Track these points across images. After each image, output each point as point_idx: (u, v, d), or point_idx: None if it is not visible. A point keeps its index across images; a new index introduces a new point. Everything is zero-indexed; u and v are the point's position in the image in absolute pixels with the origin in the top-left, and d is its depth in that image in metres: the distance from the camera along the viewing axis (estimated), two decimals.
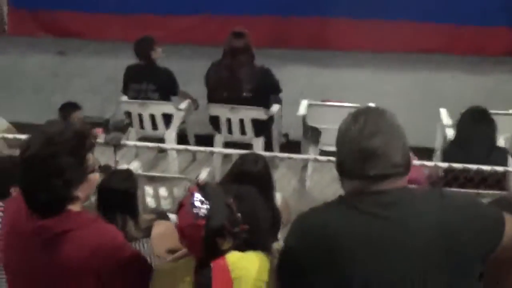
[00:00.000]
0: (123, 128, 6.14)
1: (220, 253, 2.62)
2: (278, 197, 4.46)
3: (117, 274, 2.72)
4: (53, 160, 2.59)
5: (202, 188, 2.63)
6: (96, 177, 2.76)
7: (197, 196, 2.59)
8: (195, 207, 2.56)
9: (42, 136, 2.66)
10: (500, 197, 4.16)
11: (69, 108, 6.41)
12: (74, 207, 2.69)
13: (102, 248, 2.66)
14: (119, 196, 3.78)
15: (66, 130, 2.68)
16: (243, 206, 3.25)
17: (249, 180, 3.93)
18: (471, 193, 4.81)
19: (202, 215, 2.55)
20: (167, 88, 7.28)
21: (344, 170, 2.35)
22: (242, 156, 4.38)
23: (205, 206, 2.57)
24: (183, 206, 2.60)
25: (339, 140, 2.37)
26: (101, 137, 5.58)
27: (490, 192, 4.92)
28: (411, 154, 2.39)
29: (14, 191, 4.21)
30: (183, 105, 7.41)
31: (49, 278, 2.68)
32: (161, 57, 7.36)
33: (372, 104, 7.28)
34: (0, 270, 4.23)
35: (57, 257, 2.65)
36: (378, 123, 2.32)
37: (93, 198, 3.77)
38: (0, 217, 3.35)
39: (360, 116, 2.34)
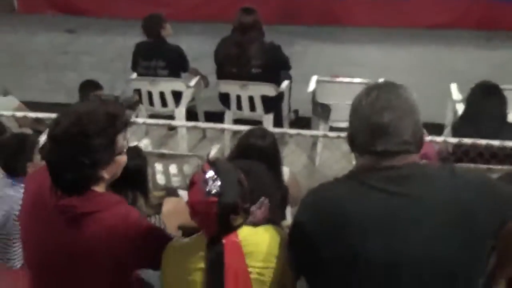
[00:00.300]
0: (132, 105, 6.10)
1: (232, 229, 2.63)
2: (286, 172, 4.46)
3: (138, 257, 2.75)
4: (82, 138, 2.59)
5: (213, 164, 2.64)
6: (123, 159, 2.76)
7: (209, 173, 2.60)
8: (207, 184, 2.57)
9: (73, 114, 2.65)
10: (507, 173, 4.15)
11: (89, 86, 6.37)
12: (99, 188, 2.71)
13: (122, 232, 2.67)
14: (129, 173, 3.78)
15: (98, 110, 2.67)
16: (252, 181, 3.26)
17: (256, 154, 3.94)
18: (481, 168, 4.81)
19: (215, 192, 2.56)
20: (176, 65, 7.26)
21: (354, 145, 2.36)
22: (249, 131, 4.38)
23: (217, 183, 2.58)
24: (194, 184, 2.61)
25: (351, 113, 2.37)
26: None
27: (500, 167, 4.91)
28: (423, 131, 2.38)
29: (30, 167, 4.25)
30: (193, 82, 7.40)
31: (69, 255, 2.70)
32: (170, 34, 7.33)
33: (382, 80, 7.27)
34: (13, 242, 4.28)
35: (79, 237, 2.67)
36: (391, 98, 2.30)
37: None
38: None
39: (373, 90, 2.33)
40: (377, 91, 2.32)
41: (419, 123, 2.34)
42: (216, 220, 2.58)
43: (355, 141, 2.35)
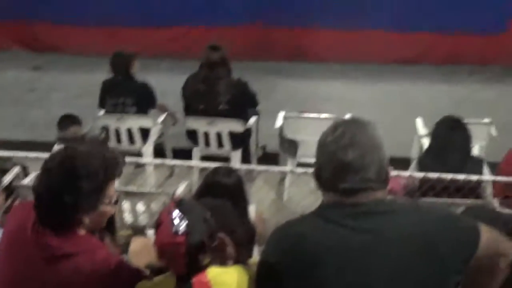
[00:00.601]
0: (100, 142, 6.12)
1: (201, 268, 2.62)
2: (252, 210, 4.46)
3: None
4: (71, 177, 2.58)
5: (179, 204, 2.64)
6: (110, 210, 2.73)
7: (175, 213, 2.59)
8: (174, 224, 2.57)
9: (69, 151, 2.66)
10: (471, 206, 4.21)
11: (67, 121, 6.37)
12: (81, 231, 2.70)
13: (98, 279, 2.66)
14: None
15: (95, 152, 2.66)
16: (218, 220, 3.26)
17: (222, 192, 3.94)
18: (446, 202, 4.85)
19: (182, 232, 2.56)
20: (145, 102, 7.27)
21: (320, 181, 2.37)
22: (215, 169, 4.39)
23: (183, 223, 2.57)
24: (161, 224, 2.60)
25: (318, 149, 2.38)
26: None
27: (465, 201, 4.96)
28: (389, 167, 2.40)
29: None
30: (160, 118, 7.41)
31: None
32: (138, 71, 7.34)
33: (348, 115, 7.33)
34: None
35: (55, 277, 2.66)
36: (356, 135, 2.32)
37: None
38: None
39: (339, 127, 2.35)
40: (342, 128, 2.34)
41: (384, 159, 2.36)
42: (184, 260, 2.57)
43: (320, 178, 2.37)
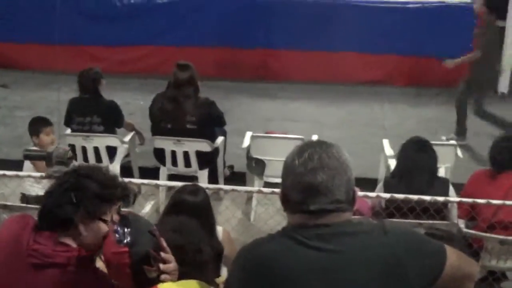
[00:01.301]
0: (66, 161, 6.04)
1: (149, 282, 2.60)
2: (219, 231, 4.45)
3: None
4: (83, 177, 2.76)
5: (124, 217, 2.64)
6: (104, 229, 2.74)
7: (119, 225, 2.60)
8: (117, 235, 2.58)
9: (92, 166, 2.92)
10: (434, 228, 4.26)
11: (39, 123, 6.36)
12: (72, 242, 2.74)
13: None
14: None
15: (113, 176, 2.84)
16: (184, 237, 3.25)
17: (188, 210, 3.93)
18: (413, 223, 4.88)
19: (126, 242, 2.57)
20: (112, 120, 7.23)
21: (287, 203, 2.36)
22: (181, 187, 4.37)
23: (127, 234, 2.59)
24: (106, 236, 2.61)
25: (284, 172, 2.37)
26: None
27: (431, 222, 5.00)
28: (355, 188, 2.41)
29: None
30: (127, 137, 7.37)
31: None
32: (105, 89, 7.30)
33: (315, 136, 7.37)
34: None
35: (39, 284, 2.71)
36: (323, 158, 2.32)
37: None
38: None
39: (306, 149, 2.35)
40: (309, 150, 2.34)
41: (351, 181, 2.36)
42: (130, 271, 2.56)
43: (287, 200, 2.36)
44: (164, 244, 2.72)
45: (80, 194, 2.73)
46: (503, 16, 8.55)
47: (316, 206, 2.28)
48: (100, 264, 2.83)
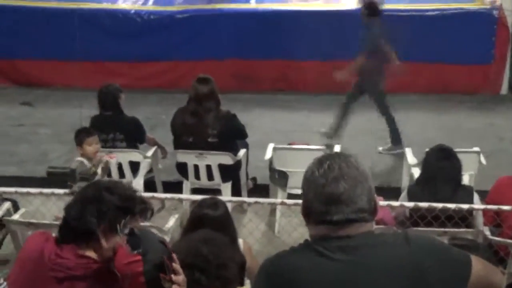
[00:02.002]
0: (89, 177, 6.10)
1: None
2: (240, 243, 4.45)
3: None
4: (104, 191, 2.82)
5: (131, 229, 2.68)
6: (121, 242, 2.80)
7: (129, 236, 2.63)
8: (129, 245, 2.62)
9: (113, 180, 3.11)
10: (457, 238, 4.23)
11: (82, 134, 6.51)
12: (93, 255, 2.80)
13: None
14: None
15: (133, 191, 2.91)
16: (213, 252, 3.26)
17: (209, 225, 3.94)
18: (438, 232, 4.86)
19: (138, 251, 2.60)
20: (134, 137, 7.27)
21: (309, 215, 2.36)
22: (201, 201, 4.39)
23: (139, 243, 2.64)
24: (119, 250, 2.65)
25: (305, 185, 2.38)
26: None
27: (457, 230, 4.97)
28: (376, 197, 2.41)
29: None
30: (150, 152, 7.40)
31: None
32: (126, 104, 7.33)
33: (337, 146, 7.37)
34: None
35: None
36: (343, 168, 2.33)
37: None
38: None
39: (325, 161, 2.36)
40: (328, 161, 2.35)
41: (372, 190, 2.37)
42: (143, 280, 2.58)
43: (310, 212, 2.36)
44: (175, 255, 2.75)
45: (102, 207, 2.78)
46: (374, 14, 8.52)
47: (340, 216, 2.29)
48: None
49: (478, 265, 2.39)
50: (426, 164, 5.66)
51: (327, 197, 2.30)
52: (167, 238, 4.69)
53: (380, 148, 8.54)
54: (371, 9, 8.61)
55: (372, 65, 8.43)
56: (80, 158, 6.32)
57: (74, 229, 2.82)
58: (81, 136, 6.50)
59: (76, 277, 2.78)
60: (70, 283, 2.79)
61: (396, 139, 8.54)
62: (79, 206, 2.83)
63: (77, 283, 2.79)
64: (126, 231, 2.76)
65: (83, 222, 2.78)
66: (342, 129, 8.68)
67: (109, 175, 7.12)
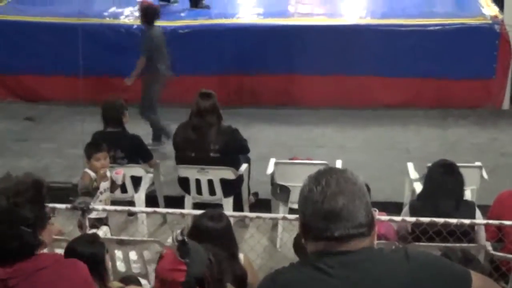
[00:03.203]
0: (91, 191, 6.12)
1: None
2: (241, 257, 4.45)
3: None
4: (18, 209, 2.78)
5: (185, 242, 2.72)
6: (52, 225, 2.94)
7: (181, 247, 2.68)
8: (178, 254, 2.66)
9: (2, 190, 2.85)
10: (447, 250, 4.23)
11: (91, 148, 6.48)
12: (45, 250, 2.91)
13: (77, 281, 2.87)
14: (85, 261, 3.76)
15: (21, 182, 2.89)
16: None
17: (210, 237, 3.93)
18: (440, 247, 4.85)
19: (185, 261, 2.63)
20: (136, 155, 7.25)
21: (308, 232, 2.35)
22: (203, 213, 4.39)
23: (188, 255, 2.67)
24: (166, 255, 2.71)
25: (302, 202, 2.37)
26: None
27: (459, 245, 4.96)
28: (375, 211, 2.41)
29: None
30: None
31: None
32: (128, 120, 7.33)
33: (339, 161, 7.37)
34: None
35: None
36: (340, 183, 2.32)
37: None
38: None
39: (321, 177, 2.35)
40: (325, 177, 2.34)
41: (369, 204, 2.36)
42: None
43: (309, 229, 2.35)
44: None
45: (27, 224, 2.79)
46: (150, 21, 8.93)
47: (341, 232, 2.28)
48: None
49: (478, 281, 2.39)
50: (429, 179, 5.66)
51: (327, 214, 2.29)
52: None
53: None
54: (146, 15, 8.99)
55: (149, 70, 8.94)
56: (88, 170, 6.32)
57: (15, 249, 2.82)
58: (90, 150, 6.47)
59: (38, 270, 2.84)
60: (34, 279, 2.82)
61: (157, 137, 9.03)
62: (10, 232, 2.81)
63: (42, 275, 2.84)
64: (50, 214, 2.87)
65: (22, 249, 2.81)
66: (168, 131, 8.82)
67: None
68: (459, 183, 5.51)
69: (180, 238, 2.80)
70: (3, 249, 2.79)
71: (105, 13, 11.31)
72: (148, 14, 8.99)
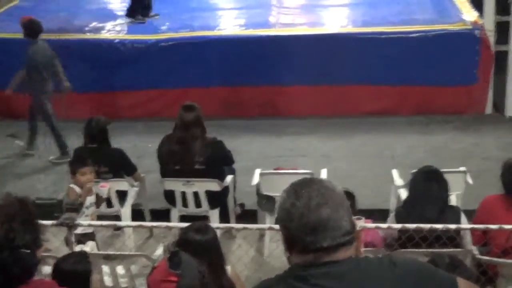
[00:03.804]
0: (77, 208, 6.10)
1: None
2: (228, 270, 4.43)
3: None
4: (14, 234, 2.77)
5: (176, 252, 2.74)
6: (48, 241, 2.87)
7: (173, 258, 2.70)
8: (170, 265, 2.67)
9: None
10: (434, 256, 4.24)
11: (76, 163, 6.49)
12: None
13: None
14: (73, 279, 3.75)
15: (8, 204, 2.85)
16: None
17: (197, 249, 3.92)
18: (426, 252, 4.86)
19: (176, 272, 2.64)
20: (119, 169, 7.23)
21: (293, 245, 2.32)
22: (189, 225, 4.37)
23: (179, 267, 2.68)
24: (158, 266, 2.73)
25: (284, 217, 2.33)
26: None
27: (445, 250, 4.97)
28: (360, 219, 2.42)
29: None
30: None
31: None
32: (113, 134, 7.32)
33: (324, 170, 7.38)
34: None
35: None
36: (322, 193, 2.31)
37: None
38: None
39: (301, 189, 2.32)
40: (304, 189, 2.32)
41: (349, 210, 2.36)
42: None
43: (294, 243, 2.32)
44: None
45: (26, 246, 2.80)
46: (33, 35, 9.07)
47: (329, 242, 2.27)
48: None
49: (464, 286, 2.39)
50: (413, 185, 5.69)
51: (314, 226, 2.27)
52: None
53: (51, 157, 9.14)
54: (28, 30, 9.14)
55: (34, 84, 9.08)
56: (73, 186, 6.29)
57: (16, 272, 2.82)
58: (75, 165, 6.46)
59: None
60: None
61: (63, 150, 9.13)
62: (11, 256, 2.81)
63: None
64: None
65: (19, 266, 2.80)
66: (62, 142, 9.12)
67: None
68: (443, 189, 5.54)
69: (172, 249, 2.82)
70: (4, 275, 2.77)
71: (86, 28, 11.28)
72: (28, 29, 9.14)
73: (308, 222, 2.28)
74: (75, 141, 7.74)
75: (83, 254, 4.22)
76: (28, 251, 2.74)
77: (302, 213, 2.29)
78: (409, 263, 2.38)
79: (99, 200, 6.40)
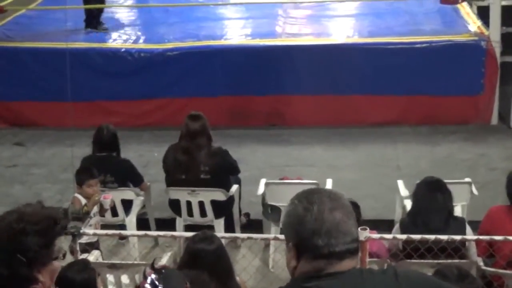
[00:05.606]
0: (82, 217, 6.12)
1: None
2: (237, 280, 4.44)
3: None
4: (20, 236, 2.65)
5: (159, 271, 2.66)
6: (59, 265, 2.78)
7: (153, 279, 2.62)
8: (150, 286, 2.60)
9: (16, 213, 2.74)
10: (442, 267, 4.23)
11: (84, 174, 6.45)
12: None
13: None
14: (78, 287, 3.76)
15: (39, 212, 2.75)
16: None
17: (203, 260, 3.92)
18: (431, 263, 4.86)
19: None
20: (126, 179, 7.24)
21: (306, 251, 2.33)
22: (194, 236, 4.38)
23: (159, 282, 2.60)
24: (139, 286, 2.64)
25: (296, 222, 2.35)
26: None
27: (450, 261, 4.97)
28: (365, 229, 2.43)
29: None
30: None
31: None
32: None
33: (330, 180, 7.37)
34: None
35: None
36: (332, 199, 2.34)
37: None
38: None
39: (312, 196, 2.36)
40: (315, 196, 2.36)
41: (356, 220, 2.39)
42: None
43: (306, 249, 2.33)
44: None
45: (26, 253, 2.67)
46: None
47: (340, 247, 2.29)
48: None
49: None
50: (416, 196, 5.69)
51: (328, 228, 2.29)
52: None
53: None
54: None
55: None
56: (78, 195, 6.30)
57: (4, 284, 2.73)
58: (83, 176, 6.44)
59: None
60: None
61: None
62: (5, 260, 2.70)
63: None
64: (61, 252, 2.75)
65: (13, 280, 2.69)
66: None
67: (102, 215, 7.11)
68: (448, 200, 5.53)
69: (157, 266, 2.75)
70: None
71: (93, 38, 11.31)
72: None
73: (323, 224, 2.30)
74: (83, 149, 7.73)
75: (86, 262, 4.22)
76: (24, 259, 2.69)
77: (317, 216, 2.31)
78: (413, 276, 2.38)
79: (101, 210, 6.41)
